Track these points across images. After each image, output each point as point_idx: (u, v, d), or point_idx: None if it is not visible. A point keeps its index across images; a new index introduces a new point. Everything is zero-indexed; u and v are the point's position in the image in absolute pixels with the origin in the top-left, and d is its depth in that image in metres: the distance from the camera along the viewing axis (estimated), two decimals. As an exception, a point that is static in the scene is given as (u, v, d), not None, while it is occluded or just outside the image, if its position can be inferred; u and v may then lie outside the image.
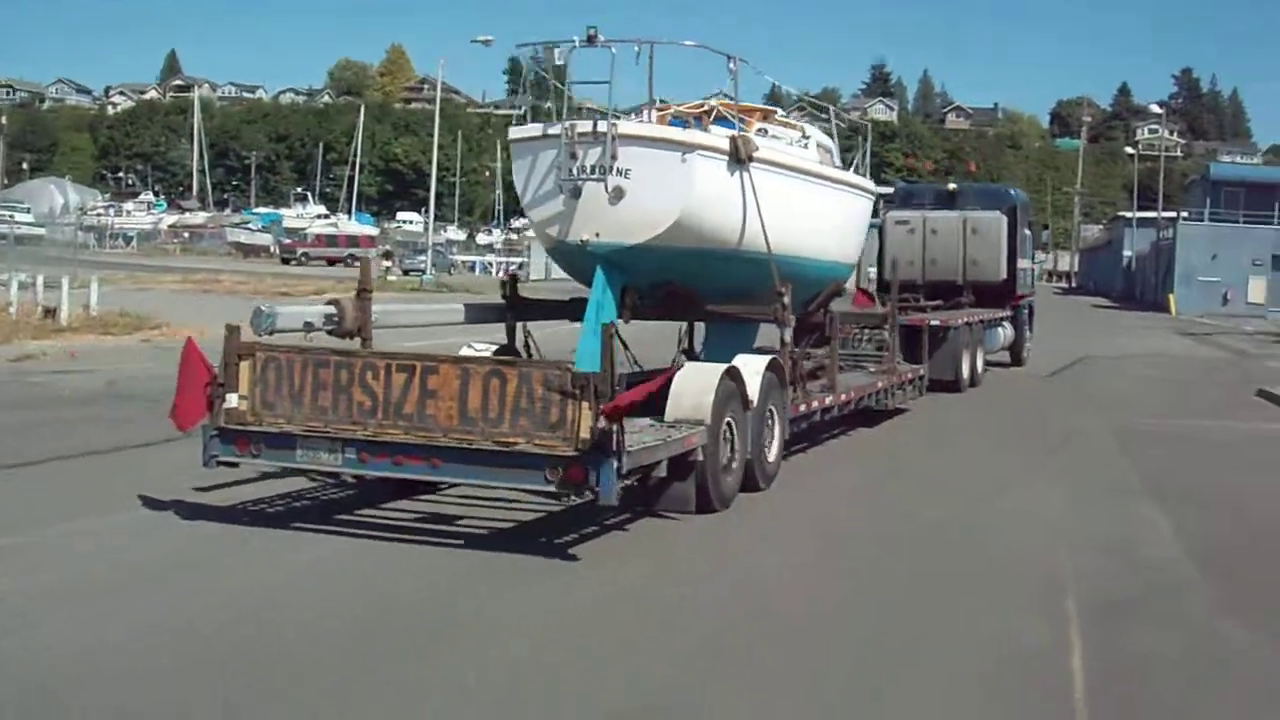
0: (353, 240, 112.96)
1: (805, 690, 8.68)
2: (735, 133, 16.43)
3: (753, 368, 15.24)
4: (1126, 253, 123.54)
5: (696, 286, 16.94)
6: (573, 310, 18.24)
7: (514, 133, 16.97)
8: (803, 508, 15.37)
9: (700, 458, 13.48)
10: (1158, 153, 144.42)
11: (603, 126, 15.52)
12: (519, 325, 18.34)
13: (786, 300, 16.42)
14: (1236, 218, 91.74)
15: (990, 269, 32.99)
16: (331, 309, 15.00)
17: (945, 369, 27.55)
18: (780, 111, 20.54)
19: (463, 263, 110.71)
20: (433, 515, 13.62)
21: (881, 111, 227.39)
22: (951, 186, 36.50)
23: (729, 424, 14.27)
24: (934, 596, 11.24)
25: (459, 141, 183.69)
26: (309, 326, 14.71)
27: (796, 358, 17.48)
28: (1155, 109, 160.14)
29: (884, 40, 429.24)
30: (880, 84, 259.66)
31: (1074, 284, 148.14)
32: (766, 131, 18.25)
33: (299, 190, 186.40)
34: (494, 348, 17.11)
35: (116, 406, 21.48)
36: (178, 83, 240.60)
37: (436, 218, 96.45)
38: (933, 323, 27.27)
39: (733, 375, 14.55)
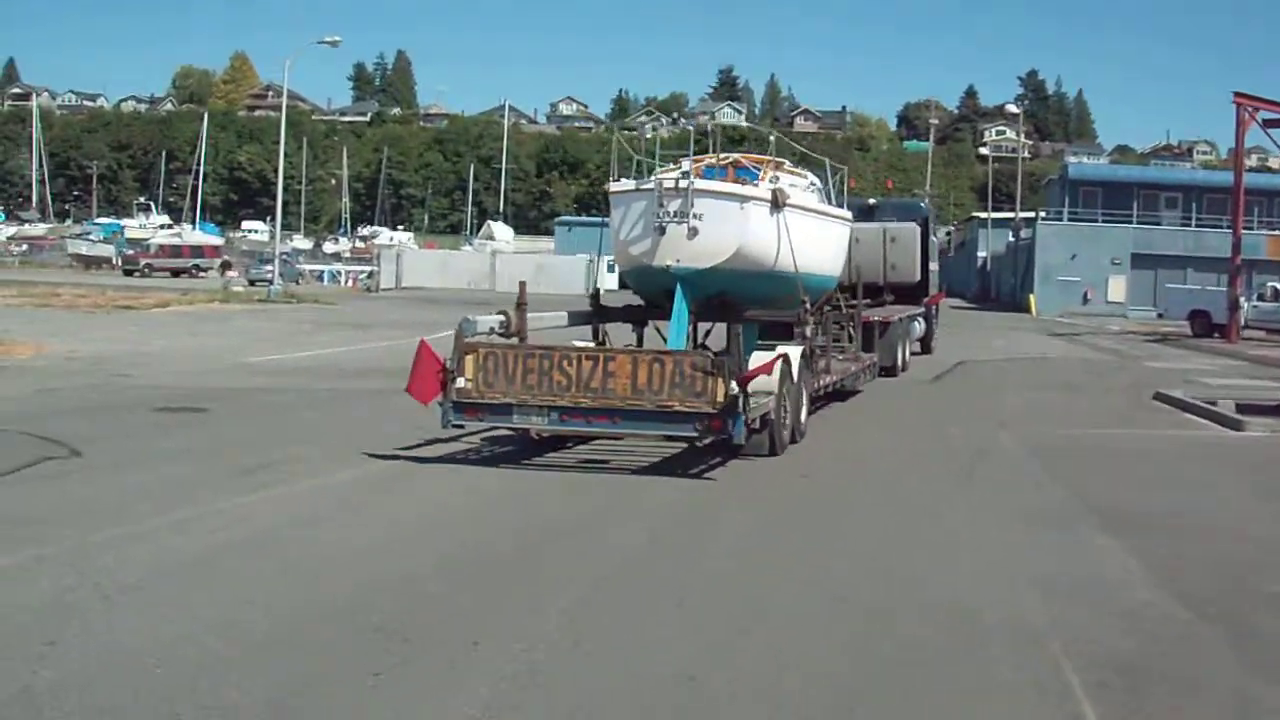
0: (197, 250, 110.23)
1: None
2: (775, 186, 21.79)
3: (794, 354, 20.16)
4: (981, 253, 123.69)
5: (740, 297, 22.05)
6: (632, 314, 23.90)
7: (613, 187, 22.27)
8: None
9: (772, 417, 18.53)
10: (1007, 154, 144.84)
11: (683, 184, 20.63)
12: (601, 326, 23.17)
13: (808, 305, 21.95)
14: (1095, 217, 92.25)
15: (907, 272, 37.47)
16: (501, 318, 19.62)
17: (886, 357, 32.41)
18: (787, 162, 25.47)
19: (310, 272, 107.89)
20: (588, 463, 18.73)
21: (729, 115, 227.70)
22: (871, 201, 40.57)
23: (784, 393, 19.25)
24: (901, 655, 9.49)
25: (304, 149, 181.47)
26: (492, 330, 19.29)
27: (813, 347, 22.64)
28: (1012, 108, 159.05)
29: (731, 44, 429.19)
30: (728, 88, 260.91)
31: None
32: (779, 179, 22.71)
33: (142, 200, 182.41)
34: (591, 343, 21.51)
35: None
36: (16, 91, 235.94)
37: (283, 226, 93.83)
38: (878, 319, 32.05)
39: (785, 360, 19.40)
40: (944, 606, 10.95)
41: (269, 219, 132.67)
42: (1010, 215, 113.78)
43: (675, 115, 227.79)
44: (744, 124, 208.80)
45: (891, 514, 15.58)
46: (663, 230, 20.59)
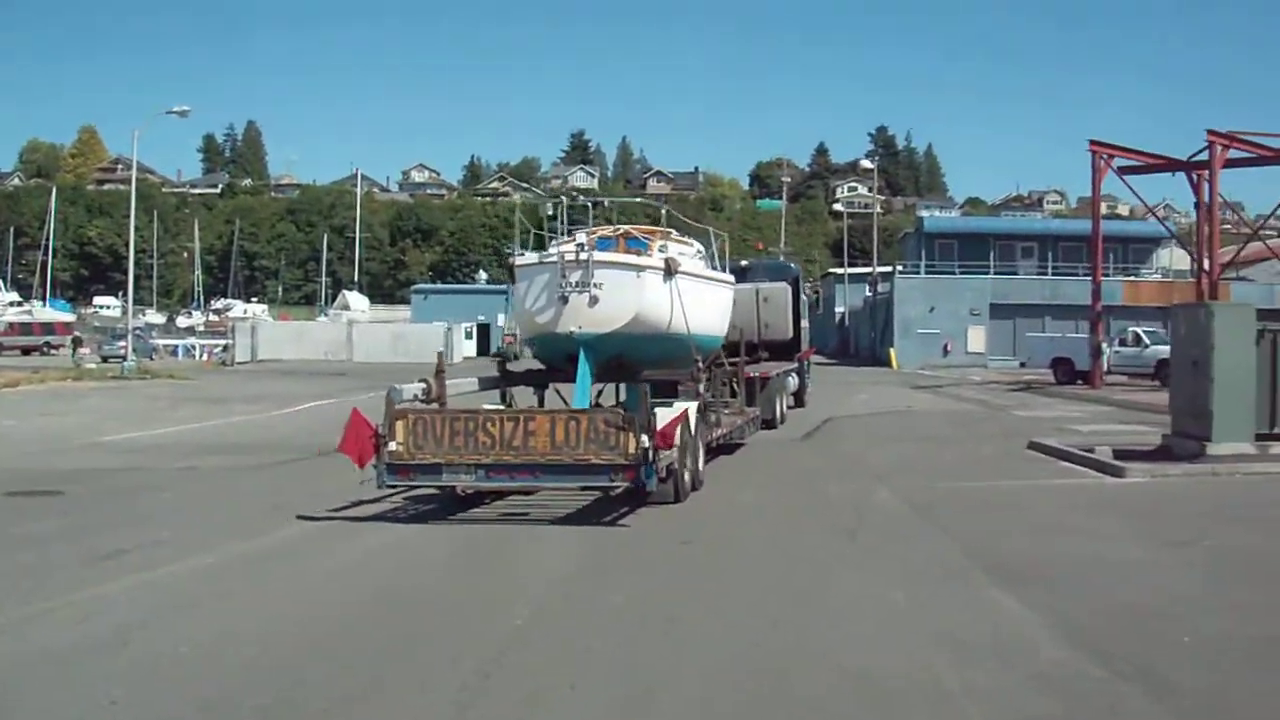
0: (48, 328, 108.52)
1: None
2: (667, 255, 23.82)
3: (691, 410, 21.76)
4: (839, 309, 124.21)
5: (637, 359, 23.44)
6: (534, 378, 25.50)
7: (518, 261, 24.51)
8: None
9: (676, 467, 20.31)
10: (860, 209, 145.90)
11: (584, 256, 22.32)
12: (508, 389, 24.83)
13: (700, 364, 23.85)
14: (952, 269, 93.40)
15: (780, 330, 39.60)
16: (424, 385, 21.27)
17: (767, 410, 34.10)
18: (674, 232, 27.51)
19: (164, 347, 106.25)
20: (508, 515, 19.99)
21: (582, 179, 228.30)
22: (744, 263, 43.87)
23: (685, 446, 20.90)
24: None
25: (155, 222, 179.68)
26: (415, 397, 20.80)
27: (706, 403, 24.35)
28: (866, 164, 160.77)
29: (582, 107, 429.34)
30: (580, 151, 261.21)
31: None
32: (668, 248, 24.98)
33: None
34: (500, 405, 23.10)
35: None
36: None
37: (135, 301, 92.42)
38: (758, 374, 33.64)
39: (685, 415, 20.87)
40: (854, 671, 10.52)
41: (121, 294, 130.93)
42: (866, 270, 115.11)
43: (562, 189, 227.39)
44: (597, 188, 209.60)
45: (788, 572, 15.34)
46: (565, 299, 22.36)
